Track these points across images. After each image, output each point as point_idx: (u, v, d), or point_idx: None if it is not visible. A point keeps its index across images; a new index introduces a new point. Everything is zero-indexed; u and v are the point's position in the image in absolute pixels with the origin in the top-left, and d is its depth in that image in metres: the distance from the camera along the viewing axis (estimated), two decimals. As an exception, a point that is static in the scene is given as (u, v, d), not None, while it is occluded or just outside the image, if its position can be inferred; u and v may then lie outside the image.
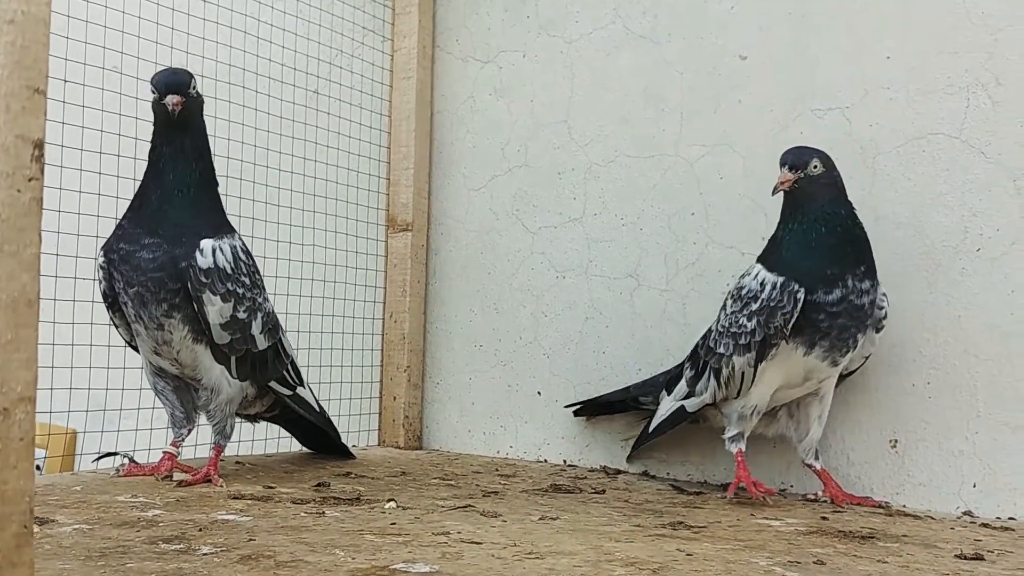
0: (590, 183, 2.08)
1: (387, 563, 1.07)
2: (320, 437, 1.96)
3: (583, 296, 2.08)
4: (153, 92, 1.57)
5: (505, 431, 2.17)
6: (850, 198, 1.60)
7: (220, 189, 1.64)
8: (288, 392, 1.76)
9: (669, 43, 2.00)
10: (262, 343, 1.66)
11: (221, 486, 1.55)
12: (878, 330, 1.64)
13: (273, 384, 1.73)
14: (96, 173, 1.82)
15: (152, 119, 1.60)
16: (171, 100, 1.53)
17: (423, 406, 2.28)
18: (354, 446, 2.16)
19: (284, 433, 2.02)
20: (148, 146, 1.60)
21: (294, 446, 2.05)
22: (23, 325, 0.70)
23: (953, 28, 1.68)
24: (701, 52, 1.96)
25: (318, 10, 2.22)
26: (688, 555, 1.18)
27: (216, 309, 1.56)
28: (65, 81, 1.76)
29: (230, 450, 1.74)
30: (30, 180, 0.72)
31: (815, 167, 1.60)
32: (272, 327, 1.69)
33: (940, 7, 1.70)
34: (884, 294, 1.63)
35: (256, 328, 1.64)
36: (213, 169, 1.63)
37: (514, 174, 2.19)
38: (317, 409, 1.86)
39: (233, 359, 1.62)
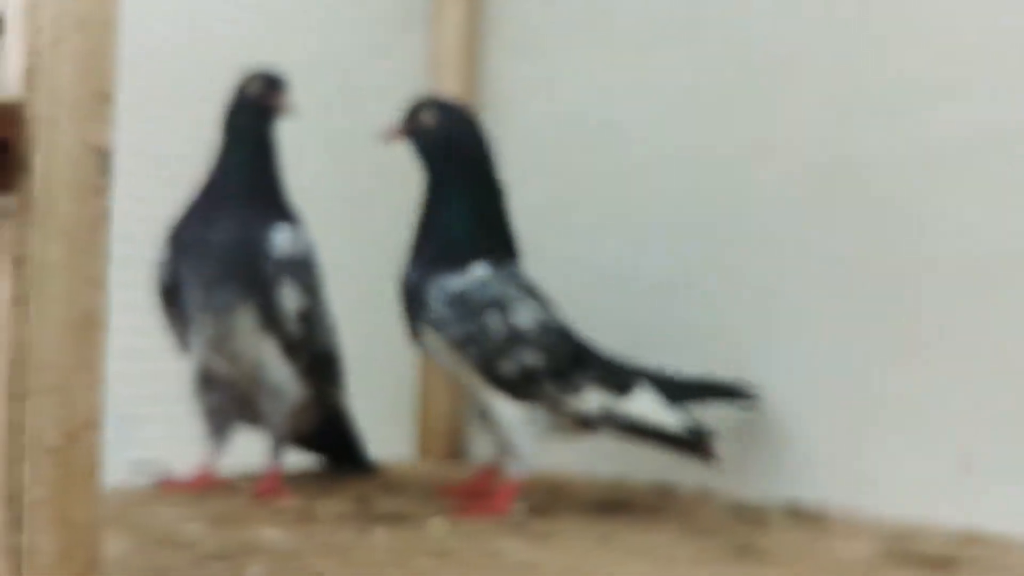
0: (629, 186, 2.02)
1: (446, 589, 1.03)
2: (349, 452, 1.84)
3: (623, 303, 2.01)
4: (261, 86, 1.56)
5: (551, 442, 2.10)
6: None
7: None
8: (340, 398, 1.71)
9: (714, 40, 1.93)
10: (326, 342, 1.62)
11: (290, 500, 1.50)
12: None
13: (332, 389, 1.67)
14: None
15: (234, 113, 1.58)
16: (282, 97, 1.55)
17: (465, 415, 2.21)
18: (391, 456, 2.08)
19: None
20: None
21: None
22: (90, 346, 0.67)
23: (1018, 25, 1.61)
24: (747, 50, 1.89)
25: (351, 0, 2.16)
26: (757, 582, 1.13)
27: (293, 297, 1.52)
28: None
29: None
30: (97, 192, 0.67)
31: (427, 120, 1.42)
32: (332, 326, 1.64)
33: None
34: (441, 289, 1.47)
35: (323, 325, 1.60)
36: None
37: (551, 175, 2.13)
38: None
39: (301, 355, 1.56)
